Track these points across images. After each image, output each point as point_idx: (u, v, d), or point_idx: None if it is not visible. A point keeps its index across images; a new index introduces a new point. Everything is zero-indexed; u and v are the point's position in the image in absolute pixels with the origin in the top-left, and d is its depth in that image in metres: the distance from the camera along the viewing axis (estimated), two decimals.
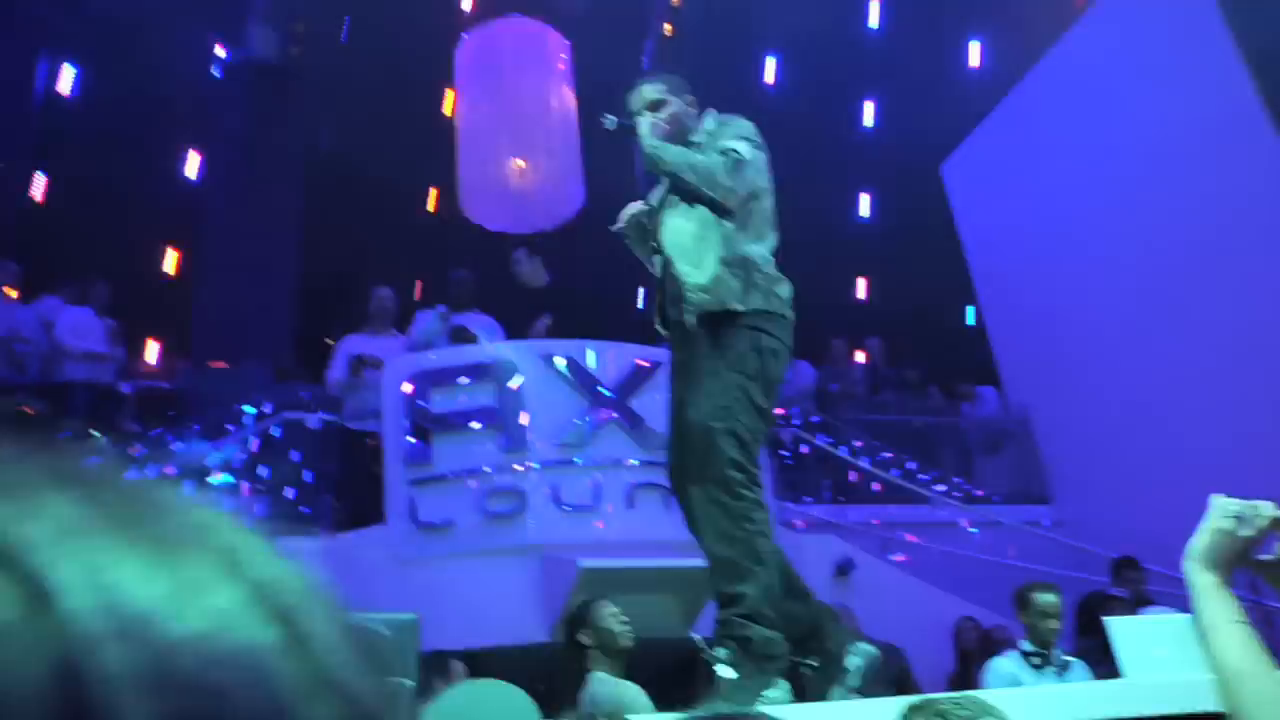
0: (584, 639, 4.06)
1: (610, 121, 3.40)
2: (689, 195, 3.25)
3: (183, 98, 10.96)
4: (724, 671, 2.88)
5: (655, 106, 3.42)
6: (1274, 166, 7.17)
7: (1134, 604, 5.58)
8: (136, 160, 10.57)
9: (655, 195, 3.52)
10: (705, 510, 3.09)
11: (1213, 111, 7.58)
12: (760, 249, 3.26)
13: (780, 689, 2.91)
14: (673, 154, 3.28)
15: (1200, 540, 1.59)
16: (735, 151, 3.23)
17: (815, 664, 3.16)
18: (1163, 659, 3.48)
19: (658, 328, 3.42)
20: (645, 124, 3.34)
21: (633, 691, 3.90)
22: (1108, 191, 8.51)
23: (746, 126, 3.40)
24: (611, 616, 4.12)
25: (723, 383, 3.09)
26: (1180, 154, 7.83)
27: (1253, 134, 7.26)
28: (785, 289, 3.27)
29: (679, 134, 3.39)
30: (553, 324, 6.86)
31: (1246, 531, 1.57)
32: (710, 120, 3.46)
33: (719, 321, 3.15)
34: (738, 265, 3.18)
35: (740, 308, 3.13)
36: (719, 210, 3.21)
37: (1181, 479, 7.44)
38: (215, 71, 11.60)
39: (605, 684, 3.94)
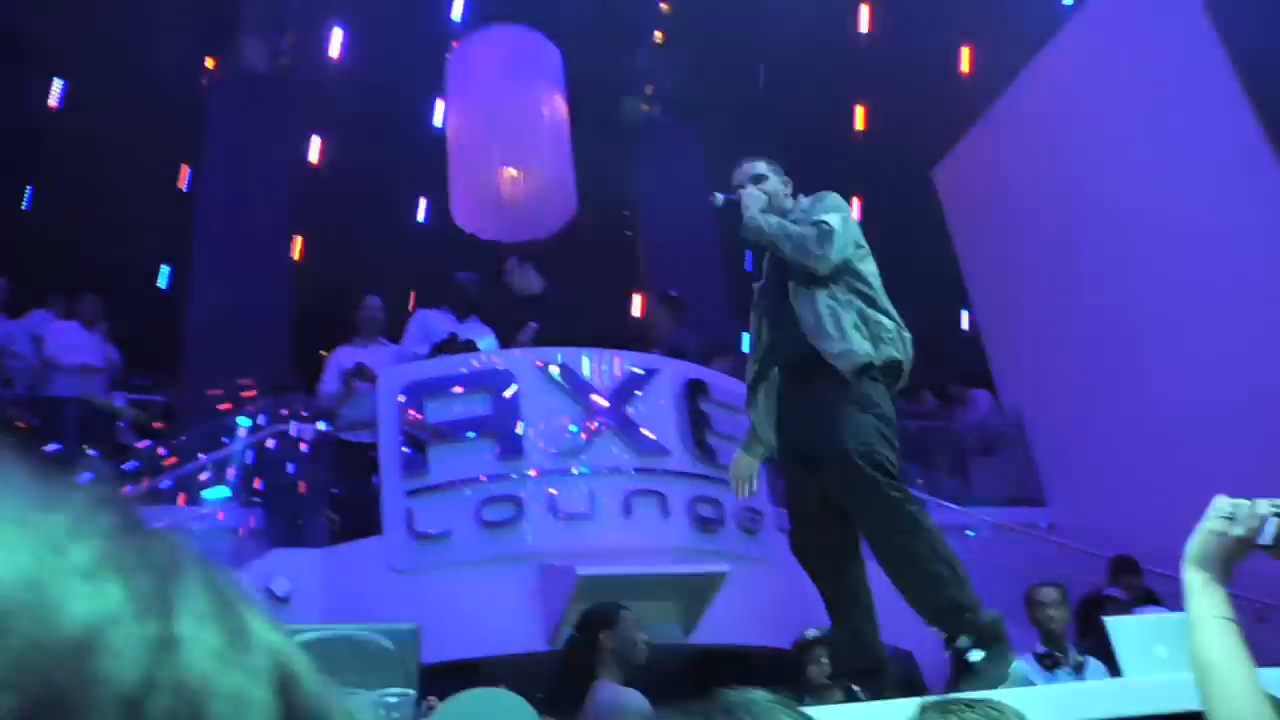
0: (606, 641, 4.06)
1: (717, 199, 3.84)
2: (798, 273, 3.60)
3: (172, 110, 10.94)
4: (974, 655, 3.22)
5: (757, 181, 3.83)
6: (1262, 170, 7.20)
7: (1131, 604, 5.58)
8: (127, 173, 10.54)
9: (762, 282, 3.87)
10: (886, 541, 3.37)
11: (1201, 113, 7.61)
12: (876, 312, 3.60)
13: (1017, 661, 3.29)
14: (771, 224, 3.66)
15: (1195, 540, 1.62)
16: (826, 223, 3.56)
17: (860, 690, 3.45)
18: (1162, 658, 3.48)
19: (752, 374, 3.83)
20: (749, 197, 3.76)
21: (637, 699, 3.90)
22: (1098, 194, 8.54)
23: (837, 199, 3.76)
24: (637, 628, 4.15)
25: (859, 422, 3.39)
26: (1169, 156, 7.86)
27: (1241, 135, 7.29)
28: (908, 339, 3.64)
29: (775, 209, 3.78)
30: (544, 331, 6.83)
31: (1239, 530, 1.59)
32: (805, 200, 3.83)
33: (857, 374, 3.47)
34: (866, 325, 3.55)
35: (874, 360, 3.48)
36: (813, 277, 3.57)
37: (1178, 479, 7.46)
38: (204, 83, 11.58)
39: (614, 691, 3.93)
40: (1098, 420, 8.52)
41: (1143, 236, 8.10)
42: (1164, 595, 5.95)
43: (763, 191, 3.78)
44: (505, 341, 6.74)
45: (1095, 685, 3.90)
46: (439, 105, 9.41)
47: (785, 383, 3.70)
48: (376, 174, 11.03)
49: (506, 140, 7.63)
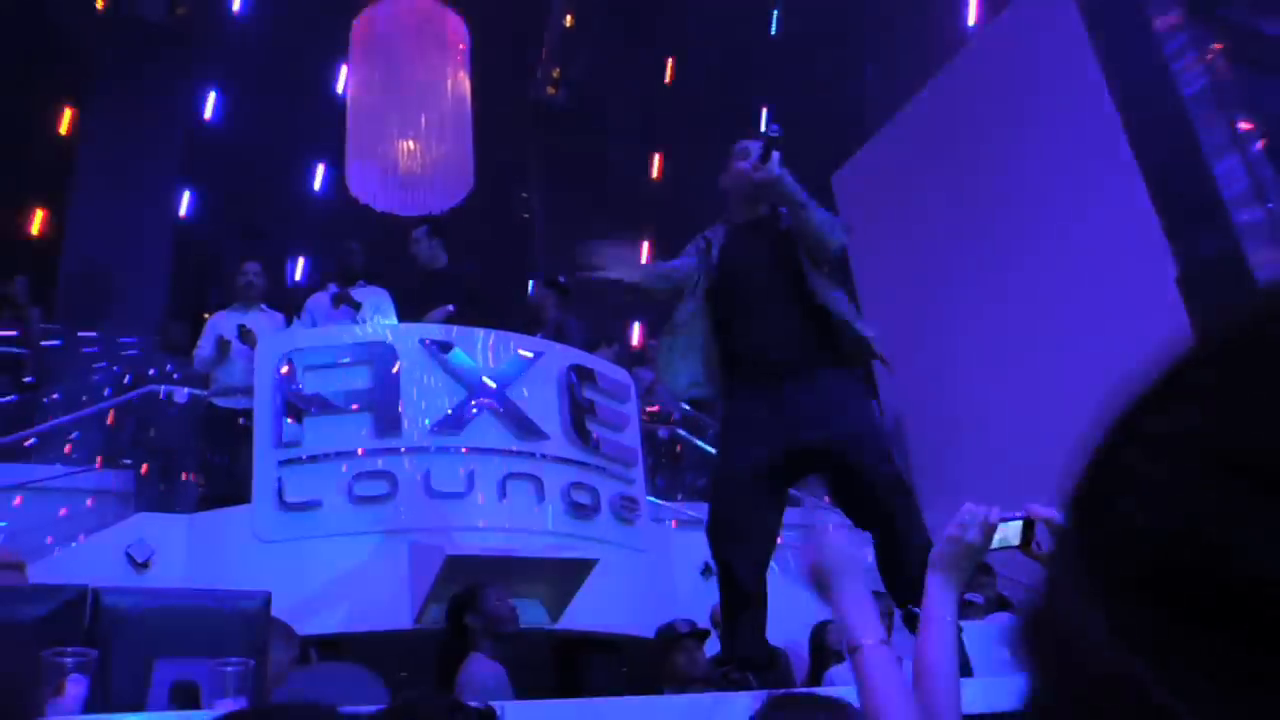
0: (471, 622, 4.07)
1: (776, 130, 3.69)
2: (809, 253, 3.63)
3: (58, 50, 10.50)
4: None
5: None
6: (1133, 192, 7.53)
7: (987, 608, 5.78)
8: (5, 112, 10.09)
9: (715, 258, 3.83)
10: (907, 536, 3.66)
11: (1079, 139, 7.92)
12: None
13: None
14: (801, 193, 3.64)
15: (938, 546, 1.75)
16: (842, 221, 3.71)
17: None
18: (1007, 659, 3.64)
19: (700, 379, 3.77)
20: (778, 159, 3.69)
21: (500, 677, 3.92)
22: (984, 208, 8.81)
23: None
24: (499, 600, 4.16)
25: (873, 413, 3.66)
26: (1049, 180, 8.16)
27: (1115, 161, 7.62)
28: None
29: None
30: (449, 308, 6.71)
31: (970, 536, 1.73)
32: None
33: (860, 365, 3.72)
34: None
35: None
36: (823, 260, 3.66)
37: (1043, 490, 7.77)
38: (92, 24, 11.13)
39: (483, 665, 3.93)
40: (968, 428, 8.80)
41: (1021, 251, 8.39)
42: (1018, 601, 6.18)
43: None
44: (409, 313, 6.63)
45: None
46: (343, 71, 9.22)
47: (781, 369, 3.63)
48: (274, 136, 10.76)
49: (407, 112, 7.52)
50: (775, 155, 3.67)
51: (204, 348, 6.68)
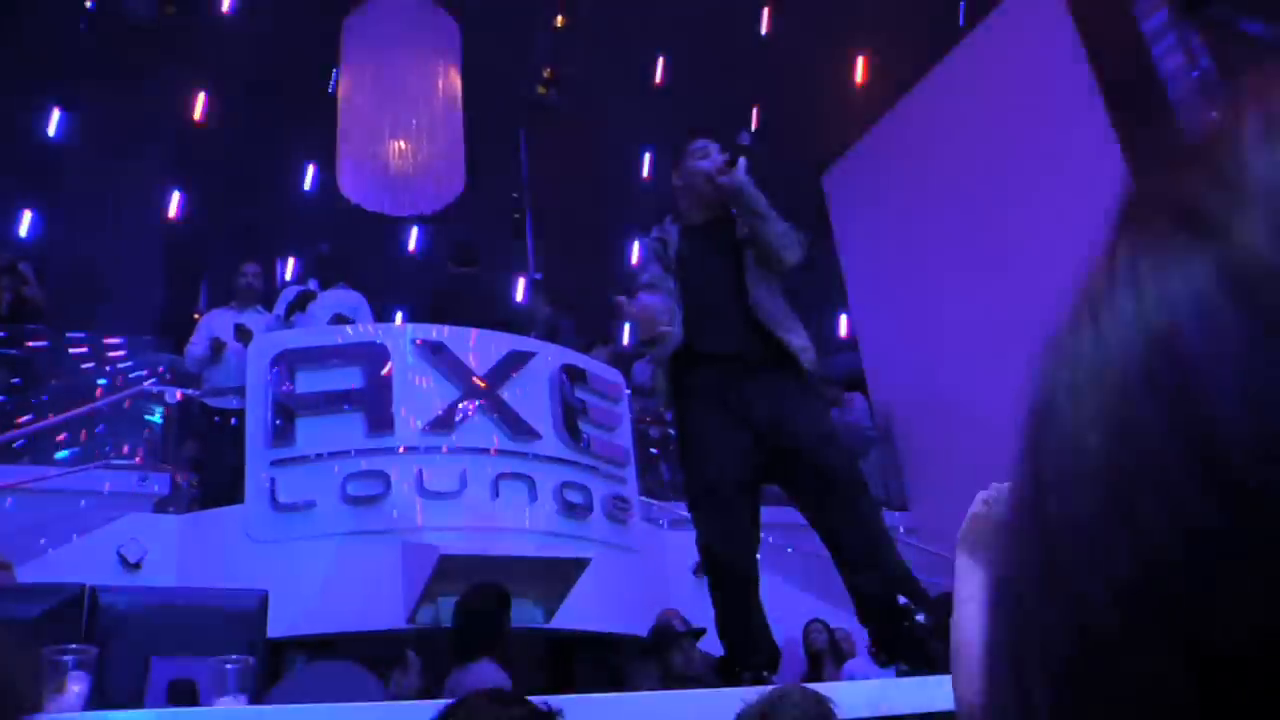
0: (505, 624, 4.06)
1: (745, 138, 3.69)
2: (760, 259, 3.62)
3: (44, 51, 10.45)
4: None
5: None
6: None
7: None
8: None
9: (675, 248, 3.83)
10: (866, 530, 3.61)
11: (1071, 138, 7.96)
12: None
13: None
14: (765, 203, 3.62)
15: (964, 524, 1.74)
16: (795, 227, 3.67)
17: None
18: None
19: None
20: (744, 166, 3.67)
21: (508, 684, 3.91)
22: (975, 209, 8.84)
23: None
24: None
25: (830, 420, 3.69)
26: (1042, 177, 8.19)
27: (1105, 160, 7.66)
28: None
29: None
30: (427, 308, 6.71)
31: (998, 512, 1.72)
32: None
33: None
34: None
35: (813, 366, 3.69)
36: (773, 268, 3.65)
37: None
38: (81, 24, 11.08)
39: (495, 672, 3.91)
40: (963, 427, 8.82)
41: (1012, 251, 8.41)
42: None
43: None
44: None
45: (929, 680, 4.04)
46: (333, 71, 9.21)
47: (737, 372, 3.64)
48: (265, 137, 10.73)
49: (398, 112, 7.52)
50: (742, 162, 3.66)
51: (197, 346, 6.67)
